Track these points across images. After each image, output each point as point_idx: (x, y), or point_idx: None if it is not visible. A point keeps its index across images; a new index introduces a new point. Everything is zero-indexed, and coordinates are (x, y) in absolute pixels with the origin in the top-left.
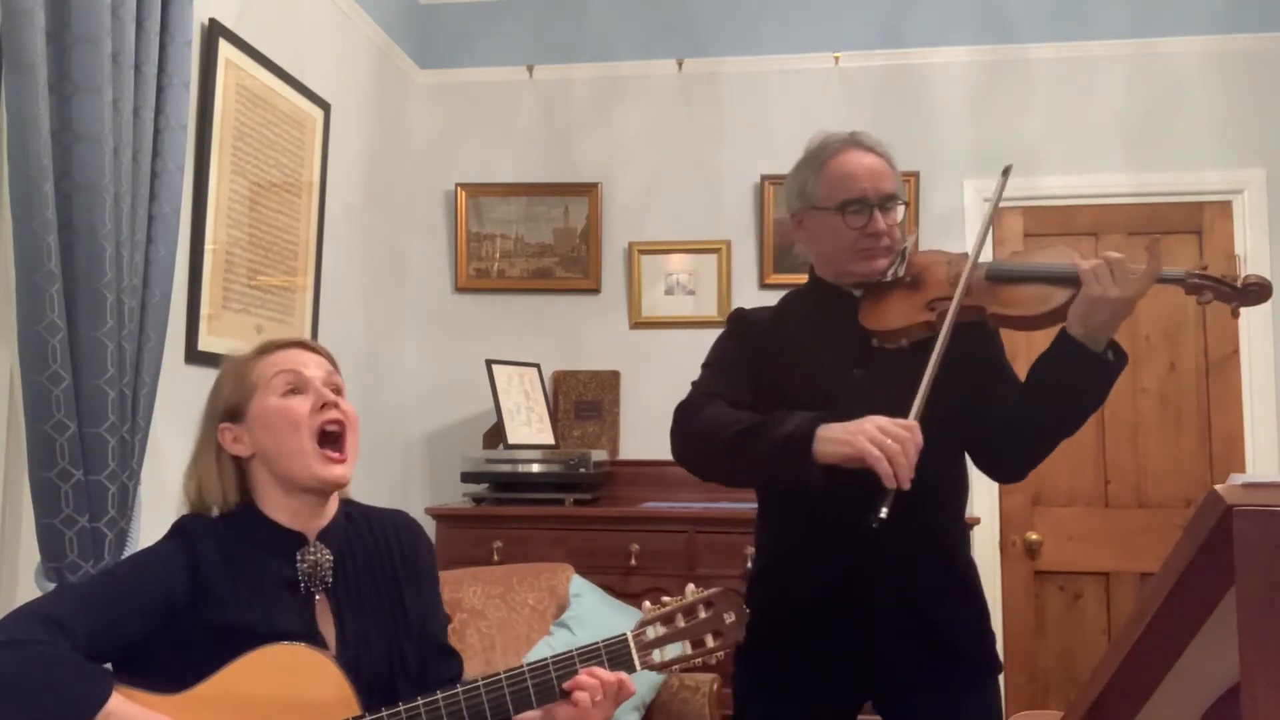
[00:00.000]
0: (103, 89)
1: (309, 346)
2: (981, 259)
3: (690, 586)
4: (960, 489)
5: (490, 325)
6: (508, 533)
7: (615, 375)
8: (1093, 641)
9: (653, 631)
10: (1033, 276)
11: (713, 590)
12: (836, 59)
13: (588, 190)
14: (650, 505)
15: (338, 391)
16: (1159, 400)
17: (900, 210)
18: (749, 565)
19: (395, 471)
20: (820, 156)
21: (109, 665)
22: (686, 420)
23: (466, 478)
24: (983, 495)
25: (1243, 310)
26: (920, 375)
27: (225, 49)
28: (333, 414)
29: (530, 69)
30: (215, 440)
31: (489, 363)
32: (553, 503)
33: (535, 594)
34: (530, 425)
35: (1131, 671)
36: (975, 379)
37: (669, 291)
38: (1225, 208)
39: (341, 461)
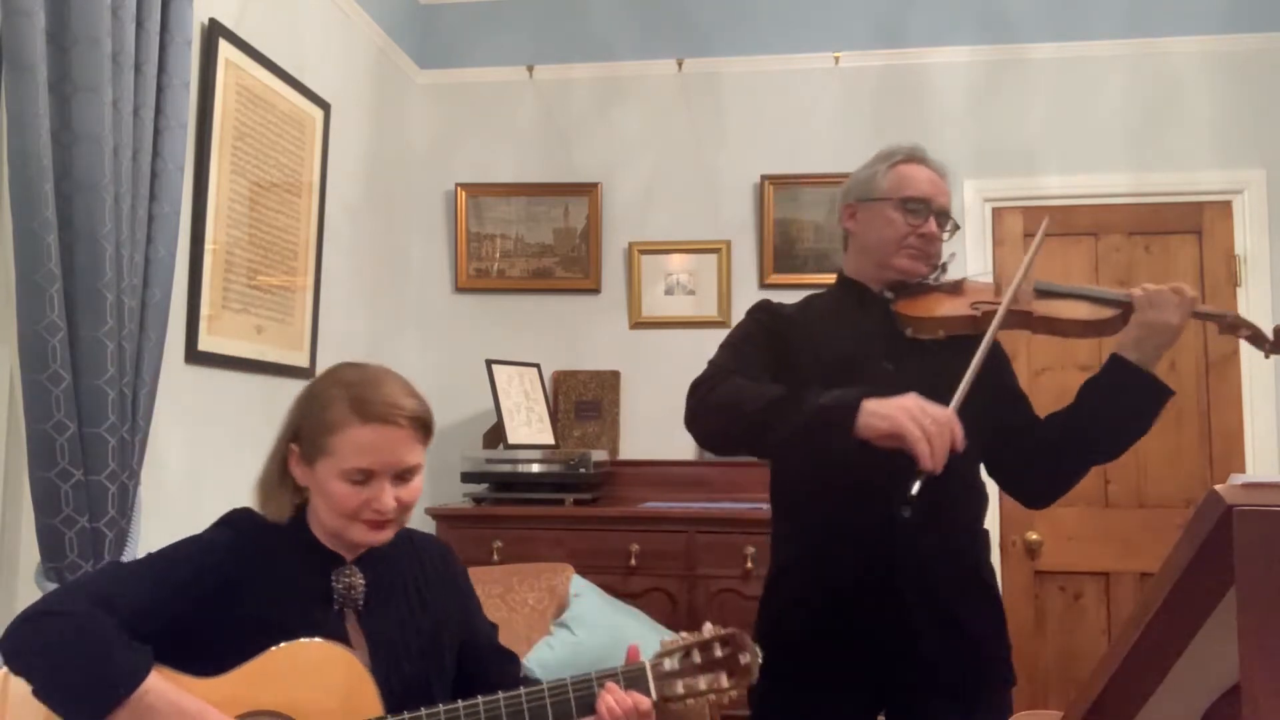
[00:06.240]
0: (103, 89)
1: (401, 424)
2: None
3: (708, 625)
4: (981, 496)
5: (490, 325)
6: (508, 533)
7: (615, 375)
8: (1093, 641)
9: (669, 664)
10: (1079, 295)
11: (729, 630)
12: (836, 59)
13: (588, 190)
14: (650, 505)
15: (410, 474)
16: None
17: (950, 229)
18: (754, 565)
19: None
20: (893, 158)
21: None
22: (708, 389)
23: (466, 478)
24: None
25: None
26: (951, 374)
27: (225, 49)
28: (384, 531)
29: (530, 69)
30: (284, 454)
31: (489, 363)
32: (553, 503)
33: (535, 594)
34: (530, 425)
35: (1131, 671)
36: (1001, 401)
37: (669, 291)
38: (1225, 208)
39: (380, 530)
